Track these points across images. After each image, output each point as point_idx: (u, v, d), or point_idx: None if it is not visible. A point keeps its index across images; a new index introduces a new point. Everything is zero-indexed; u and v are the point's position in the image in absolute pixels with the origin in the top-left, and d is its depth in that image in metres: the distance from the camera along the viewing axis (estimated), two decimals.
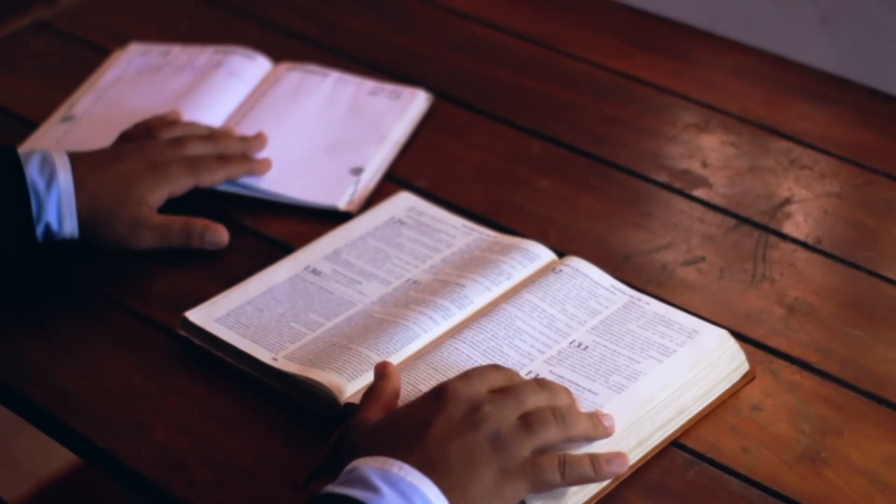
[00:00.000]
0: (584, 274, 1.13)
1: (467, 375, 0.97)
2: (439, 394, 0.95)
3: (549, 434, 0.95)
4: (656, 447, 1.01)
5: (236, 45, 1.46)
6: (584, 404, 1.01)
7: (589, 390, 1.03)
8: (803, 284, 1.17)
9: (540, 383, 0.98)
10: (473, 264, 1.16)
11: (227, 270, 1.19)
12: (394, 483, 0.89)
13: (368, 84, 1.41)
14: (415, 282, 1.15)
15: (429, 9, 1.57)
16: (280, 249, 1.21)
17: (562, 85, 1.44)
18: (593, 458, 0.96)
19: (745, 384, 1.07)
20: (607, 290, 1.12)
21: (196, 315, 1.12)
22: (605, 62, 1.47)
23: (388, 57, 1.48)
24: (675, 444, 1.02)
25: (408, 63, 1.47)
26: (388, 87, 1.41)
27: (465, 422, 0.93)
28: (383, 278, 1.16)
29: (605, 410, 1.00)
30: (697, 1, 2.06)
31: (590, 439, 0.98)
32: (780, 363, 1.09)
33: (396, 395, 1.00)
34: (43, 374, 1.10)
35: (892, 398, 1.06)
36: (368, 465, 0.90)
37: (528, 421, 0.94)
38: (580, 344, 1.07)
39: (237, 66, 1.42)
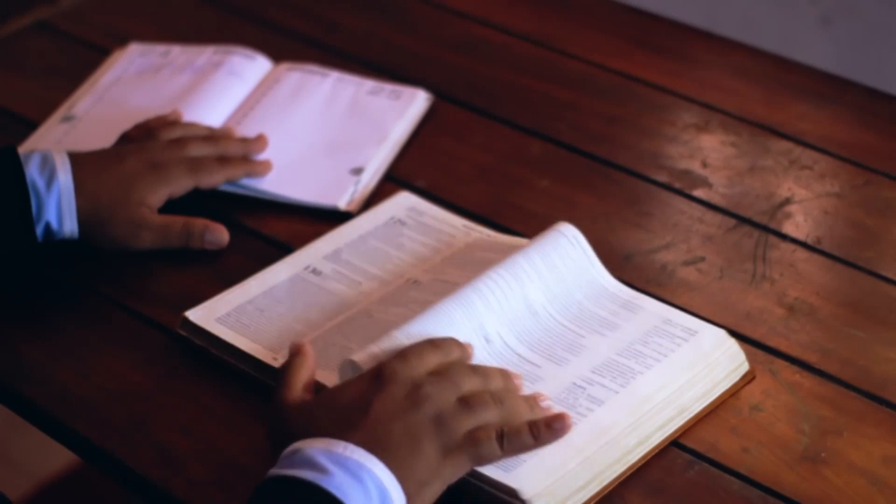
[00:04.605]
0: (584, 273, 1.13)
1: (404, 356, 0.99)
2: (379, 375, 0.97)
3: (488, 414, 0.96)
4: (656, 447, 1.01)
5: (236, 45, 1.46)
6: (585, 403, 1.01)
7: (587, 390, 1.03)
8: (803, 284, 1.17)
9: (473, 368, 1.00)
10: (474, 264, 1.16)
11: (227, 270, 1.19)
12: (341, 463, 0.90)
13: (368, 84, 1.41)
14: (415, 282, 1.15)
15: (429, 9, 1.57)
16: (280, 249, 1.21)
17: (562, 85, 1.44)
18: (532, 425, 0.97)
19: (745, 384, 1.07)
20: (607, 290, 1.12)
21: (196, 315, 1.12)
22: (605, 62, 1.47)
23: (388, 57, 1.48)
24: (675, 444, 1.02)
25: (408, 63, 1.47)
26: (388, 87, 1.41)
27: (407, 401, 0.95)
28: (383, 278, 1.16)
29: (542, 390, 1.01)
30: (697, 1, 2.06)
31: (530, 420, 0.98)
32: (780, 363, 1.09)
33: (313, 373, 1.01)
34: (43, 374, 1.10)
35: (892, 398, 1.06)
36: (312, 447, 0.91)
37: (467, 401, 0.96)
38: (580, 343, 1.07)
39: (237, 66, 1.42)
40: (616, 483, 0.98)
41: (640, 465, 1.00)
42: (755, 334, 1.12)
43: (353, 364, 1.01)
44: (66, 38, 1.52)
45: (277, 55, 1.46)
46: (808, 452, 1.01)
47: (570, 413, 1.00)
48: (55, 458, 2.10)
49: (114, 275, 1.19)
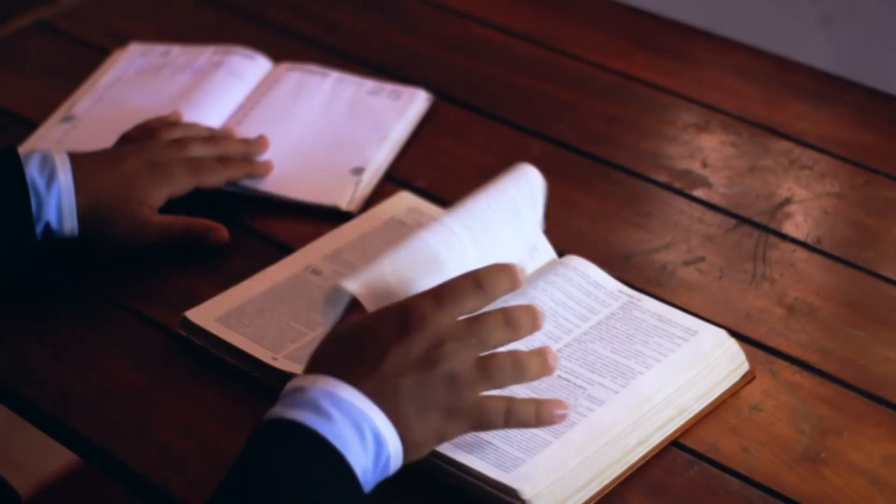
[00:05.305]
0: (584, 273, 1.13)
1: (439, 300, 0.95)
2: (408, 316, 0.94)
3: (504, 381, 0.95)
4: (656, 447, 1.01)
5: (236, 45, 1.46)
6: (585, 403, 1.01)
7: (588, 390, 1.03)
8: (803, 284, 1.17)
9: (506, 318, 0.96)
10: None
11: (227, 270, 1.19)
12: (345, 410, 0.89)
13: (368, 84, 1.41)
14: None
15: (429, 9, 1.57)
16: (280, 249, 1.21)
17: (562, 85, 1.44)
18: (539, 405, 0.96)
19: (745, 384, 1.07)
20: (607, 289, 1.12)
21: (196, 315, 1.12)
22: (605, 62, 1.47)
23: (388, 57, 1.48)
24: (675, 444, 1.02)
25: (408, 63, 1.47)
26: (388, 87, 1.41)
27: (424, 357, 0.93)
28: None
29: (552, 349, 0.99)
30: (697, 1, 2.06)
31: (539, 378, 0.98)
32: (780, 363, 1.09)
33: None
34: (43, 374, 1.10)
35: (892, 398, 1.06)
36: (318, 388, 0.90)
37: (485, 366, 0.94)
38: (580, 343, 1.07)
39: (237, 66, 1.42)
40: (616, 483, 0.98)
41: (640, 465, 1.00)
42: (755, 334, 1.12)
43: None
44: (66, 38, 1.52)
45: (277, 55, 1.46)
46: (808, 452, 1.01)
47: (570, 413, 1.00)
48: (55, 458, 2.10)
49: (114, 275, 1.19)
